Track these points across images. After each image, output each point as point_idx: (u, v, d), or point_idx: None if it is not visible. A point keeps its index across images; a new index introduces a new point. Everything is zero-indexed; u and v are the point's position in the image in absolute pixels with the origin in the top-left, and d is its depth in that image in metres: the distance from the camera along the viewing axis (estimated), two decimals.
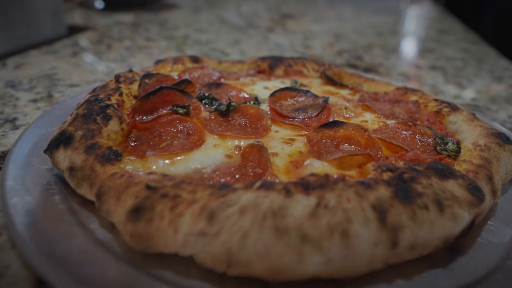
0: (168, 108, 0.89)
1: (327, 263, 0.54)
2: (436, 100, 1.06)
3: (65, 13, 1.97)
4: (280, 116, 0.93)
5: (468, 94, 1.54)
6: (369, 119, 0.96)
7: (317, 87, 1.16)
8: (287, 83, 1.16)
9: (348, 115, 0.97)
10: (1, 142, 0.95)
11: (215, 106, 0.94)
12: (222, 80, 1.17)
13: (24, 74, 1.39)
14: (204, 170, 0.71)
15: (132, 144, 0.79)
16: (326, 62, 1.32)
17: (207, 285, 0.56)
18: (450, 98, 1.46)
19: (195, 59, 1.27)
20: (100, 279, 0.55)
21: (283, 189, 0.58)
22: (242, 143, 0.80)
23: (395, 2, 3.72)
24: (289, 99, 1.01)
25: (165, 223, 0.57)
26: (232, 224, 0.55)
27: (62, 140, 0.74)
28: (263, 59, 1.31)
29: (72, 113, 0.83)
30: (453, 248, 0.66)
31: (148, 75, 1.03)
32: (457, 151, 0.82)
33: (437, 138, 0.86)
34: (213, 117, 0.89)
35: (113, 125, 0.79)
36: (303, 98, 1.01)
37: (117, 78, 0.99)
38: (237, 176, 0.69)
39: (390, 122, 0.94)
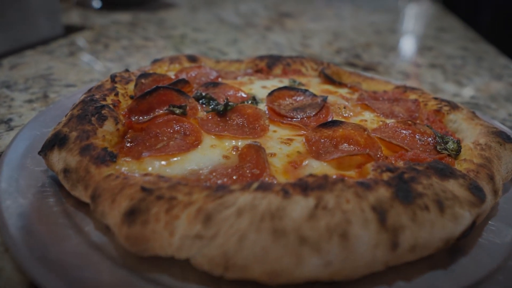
0: (165, 108, 0.88)
1: (326, 265, 0.53)
2: (435, 98, 1.05)
3: (62, 13, 1.96)
4: (278, 116, 0.92)
5: (468, 92, 1.53)
6: (368, 118, 0.95)
7: (315, 86, 1.15)
8: (285, 82, 1.15)
9: (347, 114, 0.96)
10: None
11: (212, 106, 0.93)
12: (219, 79, 1.16)
13: (20, 74, 1.37)
14: (200, 171, 0.70)
15: (128, 145, 0.77)
16: (325, 61, 1.31)
17: None
18: (449, 96, 1.45)
19: (192, 59, 1.25)
20: (94, 282, 0.54)
21: (281, 190, 0.57)
22: (239, 144, 0.79)
23: (394, 0, 3.71)
24: (287, 99, 1.00)
25: (160, 226, 0.56)
26: (229, 227, 0.54)
27: (56, 141, 0.73)
28: (261, 58, 1.30)
29: (67, 114, 0.82)
30: (454, 249, 0.65)
31: (144, 75, 1.01)
32: (458, 150, 0.81)
33: (437, 137, 0.85)
34: (210, 117, 0.88)
35: (109, 125, 0.77)
36: (301, 98, 1.00)
37: (113, 78, 0.98)
38: (234, 177, 0.68)
39: (390, 121, 0.93)
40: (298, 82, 1.16)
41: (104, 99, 0.86)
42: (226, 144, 0.79)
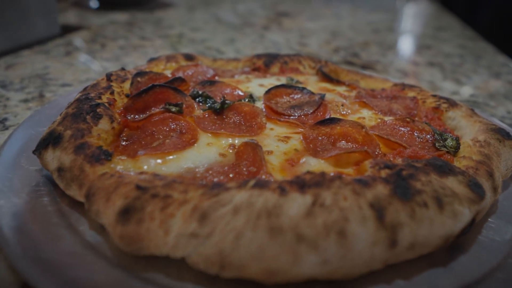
0: (161, 107, 0.87)
1: (323, 263, 0.52)
2: (434, 96, 1.05)
3: (59, 13, 1.94)
4: (275, 114, 0.91)
5: (467, 90, 1.53)
6: (366, 116, 0.94)
7: (313, 84, 1.14)
8: (282, 80, 1.14)
9: (345, 112, 0.96)
10: None
11: (209, 104, 0.92)
12: (216, 78, 1.15)
13: (16, 74, 1.36)
14: (197, 170, 0.69)
15: (124, 143, 0.76)
16: (323, 59, 1.30)
17: None
18: (448, 94, 1.44)
19: (189, 57, 1.25)
20: (89, 283, 0.53)
21: (278, 188, 0.57)
22: (236, 142, 0.78)
23: (392, 0, 3.70)
24: (284, 97, 0.99)
25: (155, 224, 0.55)
26: (225, 225, 0.53)
27: (50, 140, 0.72)
28: (258, 56, 1.29)
29: (62, 113, 0.81)
30: (454, 247, 0.64)
31: (140, 73, 1.00)
32: (457, 147, 0.81)
33: (435, 134, 0.84)
34: (206, 115, 0.87)
35: (104, 124, 0.77)
36: (299, 95, 1.00)
37: (109, 77, 0.97)
38: (231, 175, 0.68)
39: (388, 118, 0.92)
40: (296, 80, 1.15)
41: (100, 98, 0.85)
42: (223, 142, 0.78)
